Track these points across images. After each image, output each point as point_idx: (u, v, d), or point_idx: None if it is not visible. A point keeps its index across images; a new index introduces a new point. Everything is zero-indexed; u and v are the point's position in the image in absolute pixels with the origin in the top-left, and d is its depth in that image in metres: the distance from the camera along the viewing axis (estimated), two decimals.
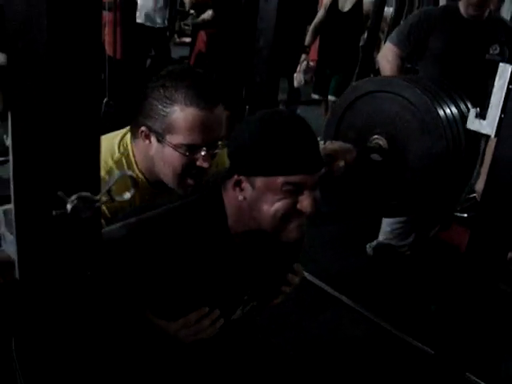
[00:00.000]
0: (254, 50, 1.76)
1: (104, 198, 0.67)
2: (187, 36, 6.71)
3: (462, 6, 2.84)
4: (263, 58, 1.76)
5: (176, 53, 6.95)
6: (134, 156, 1.49)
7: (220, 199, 1.24)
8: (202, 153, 1.40)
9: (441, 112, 1.90)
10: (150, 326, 1.20)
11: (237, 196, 1.20)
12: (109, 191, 0.67)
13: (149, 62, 5.90)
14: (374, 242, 3.36)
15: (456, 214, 3.79)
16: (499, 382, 2.42)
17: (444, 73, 2.74)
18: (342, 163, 1.76)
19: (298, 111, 5.05)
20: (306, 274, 2.98)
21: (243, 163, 1.17)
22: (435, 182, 1.95)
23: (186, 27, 7.03)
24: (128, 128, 1.53)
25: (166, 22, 5.84)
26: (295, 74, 4.86)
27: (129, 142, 1.50)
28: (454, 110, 1.99)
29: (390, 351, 2.60)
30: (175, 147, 1.39)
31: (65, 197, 0.66)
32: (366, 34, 5.19)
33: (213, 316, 1.24)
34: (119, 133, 1.55)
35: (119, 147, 1.49)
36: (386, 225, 3.28)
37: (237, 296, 1.34)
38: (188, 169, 1.42)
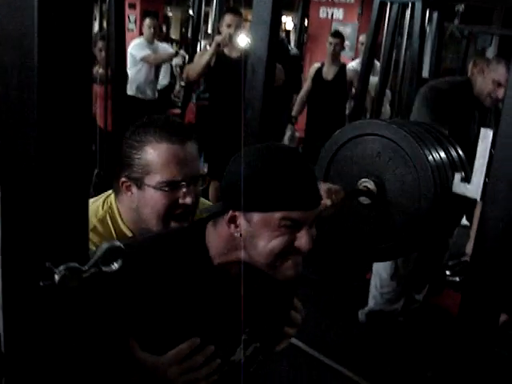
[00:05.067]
0: (243, 122, 1.78)
1: (92, 269, 0.67)
2: (177, 107, 6.84)
3: (478, 91, 2.87)
4: (252, 129, 1.78)
5: None
6: (118, 212, 1.47)
7: (202, 230, 1.19)
8: (183, 188, 1.37)
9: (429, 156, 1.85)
10: (138, 366, 1.12)
11: (231, 233, 1.14)
12: (96, 262, 0.67)
13: None
14: (366, 309, 3.33)
15: (448, 278, 3.76)
16: None
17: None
18: (328, 202, 1.71)
19: None
20: (300, 344, 2.94)
21: (239, 198, 1.09)
22: (423, 226, 1.89)
23: (176, 99, 7.18)
24: (111, 190, 1.52)
25: (156, 94, 5.98)
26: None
27: (113, 201, 1.49)
28: (443, 154, 1.96)
29: None
30: (155, 187, 1.37)
31: (53, 268, 0.66)
32: (351, 103, 5.34)
33: (207, 352, 1.15)
34: (102, 195, 1.54)
35: (103, 206, 1.48)
36: (375, 289, 3.25)
37: (233, 333, 1.24)
38: (171, 209, 1.39)
